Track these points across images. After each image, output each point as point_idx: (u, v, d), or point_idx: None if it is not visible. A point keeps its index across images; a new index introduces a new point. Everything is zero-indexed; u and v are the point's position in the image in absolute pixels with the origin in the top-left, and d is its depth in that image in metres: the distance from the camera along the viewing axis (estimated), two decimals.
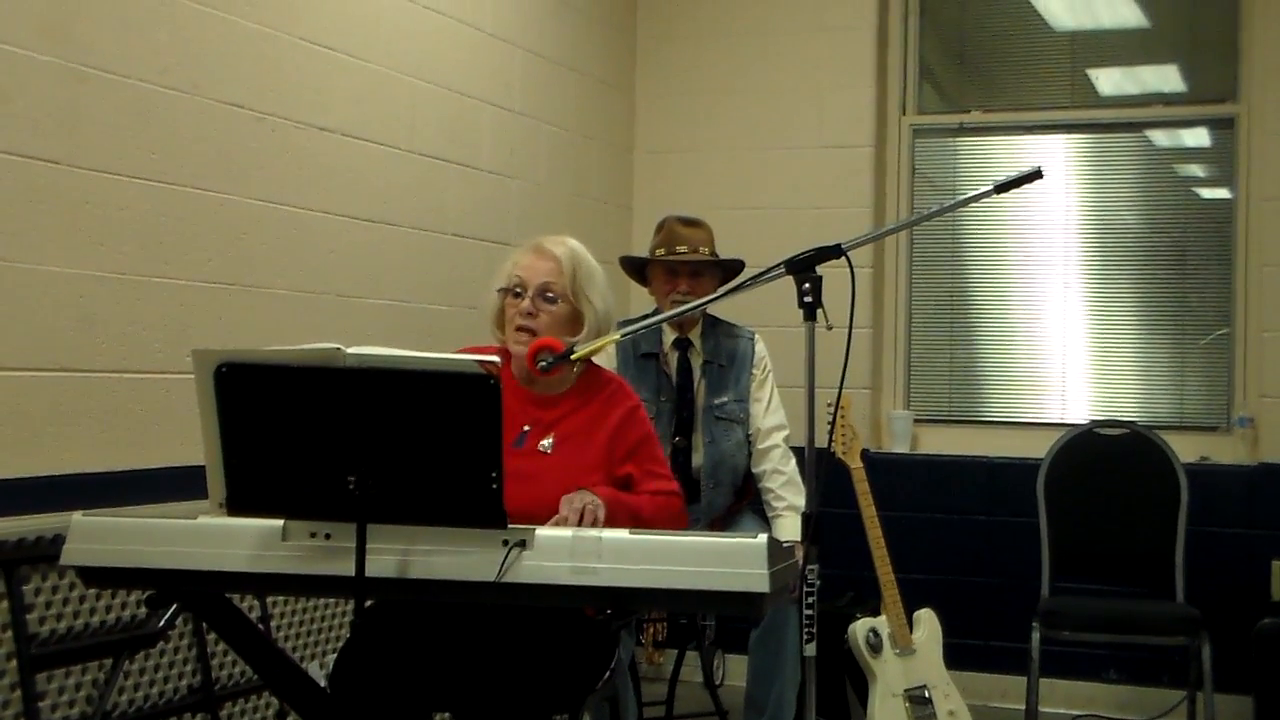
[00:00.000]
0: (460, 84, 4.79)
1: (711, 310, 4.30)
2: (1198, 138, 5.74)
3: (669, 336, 4.23)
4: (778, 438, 4.22)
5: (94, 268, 3.36)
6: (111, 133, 3.40)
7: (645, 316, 3.32)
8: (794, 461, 4.20)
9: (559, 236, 3.16)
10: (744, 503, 4.25)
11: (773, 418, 4.24)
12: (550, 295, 3.05)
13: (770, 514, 4.15)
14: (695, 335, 4.24)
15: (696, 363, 4.22)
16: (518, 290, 3.08)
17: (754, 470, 4.22)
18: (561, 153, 5.50)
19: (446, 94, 4.71)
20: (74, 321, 3.31)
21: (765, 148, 5.92)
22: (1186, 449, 5.09)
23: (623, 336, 3.14)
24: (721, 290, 3.25)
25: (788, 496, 4.13)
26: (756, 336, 4.30)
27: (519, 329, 3.05)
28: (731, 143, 5.96)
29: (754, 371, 4.24)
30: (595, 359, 4.03)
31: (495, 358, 2.44)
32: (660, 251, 4.23)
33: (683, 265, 4.17)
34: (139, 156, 3.48)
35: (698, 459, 4.18)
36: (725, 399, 4.19)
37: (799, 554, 2.86)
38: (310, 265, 4.07)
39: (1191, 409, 5.57)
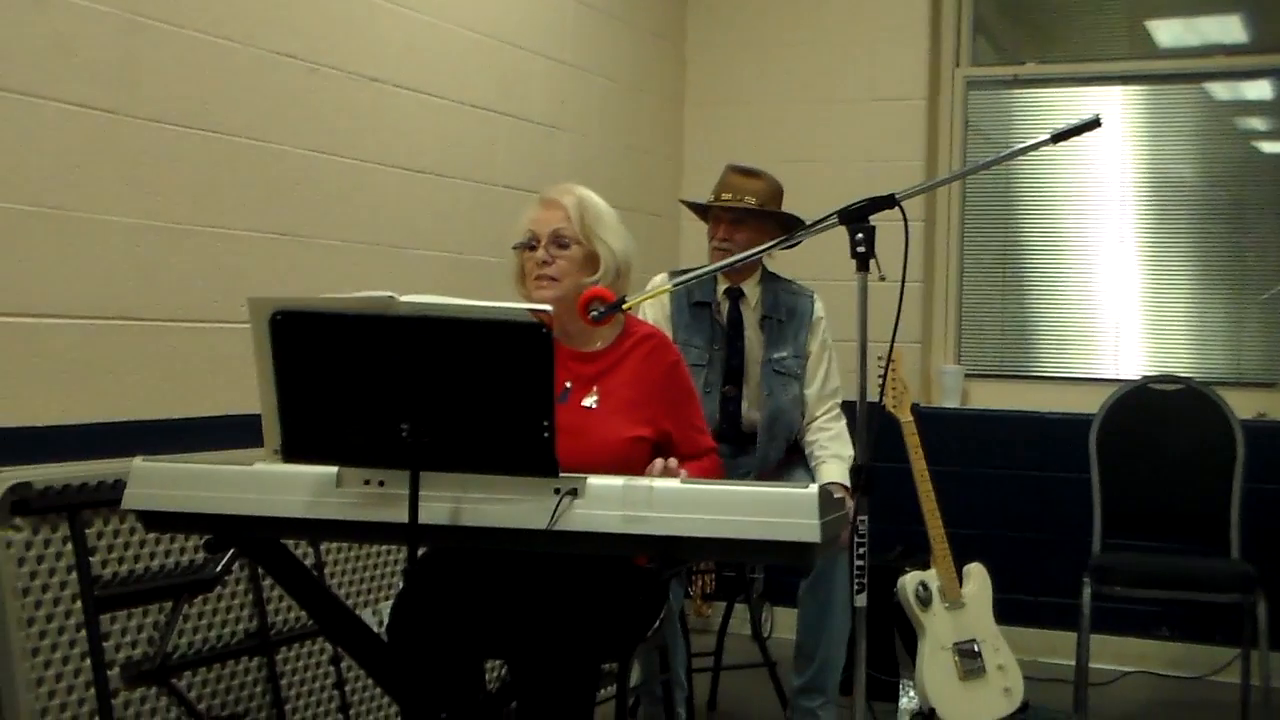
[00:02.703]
0: (512, 35, 4.78)
1: (770, 265, 4.29)
2: (1259, 90, 5.65)
3: (721, 285, 4.22)
4: (831, 403, 4.23)
5: (150, 217, 3.39)
6: (168, 83, 3.42)
7: (699, 267, 3.31)
8: (844, 421, 4.21)
9: (565, 185, 3.20)
10: (796, 457, 4.25)
11: (829, 384, 4.23)
12: (564, 241, 3.09)
13: (814, 462, 4.16)
14: (750, 286, 4.23)
15: (748, 313, 4.21)
16: (532, 244, 3.11)
17: (804, 427, 4.23)
18: (612, 105, 5.48)
19: (498, 45, 4.71)
20: (132, 270, 3.34)
21: (817, 100, 5.88)
22: (1243, 405, 5.03)
23: (675, 287, 3.14)
24: (773, 242, 3.22)
25: (832, 445, 4.15)
26: (816, 296, 4.28)
27: (538, 278, 3.09)
28: (783, 95, 5.93)
29: (812, 332, 4.22)
30: (647, 307, 4.06)
31: (548, 306, 2.44)
32: (709, 197, 4.24)
33: (723, 212, 4.18)
34: (194, 107, 3.50)
35: (748, 409, 4.19)
36: (784, 354, 4.18)
37: (849, 505, 2.87)
38: (362, 216, 4.09)
39: (1248, 365, 5.52)
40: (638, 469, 2.91)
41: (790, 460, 4.23)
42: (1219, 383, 5.17)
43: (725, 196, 4.19)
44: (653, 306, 4.17)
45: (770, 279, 4.28)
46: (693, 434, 3.17)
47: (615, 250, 3.12)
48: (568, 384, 3.09)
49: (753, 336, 4.21)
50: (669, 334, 4.10)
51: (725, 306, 4.21)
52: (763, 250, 3.23)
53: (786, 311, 4.21)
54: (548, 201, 3.15)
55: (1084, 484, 4.89)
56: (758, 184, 4.20)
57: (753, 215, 4.15)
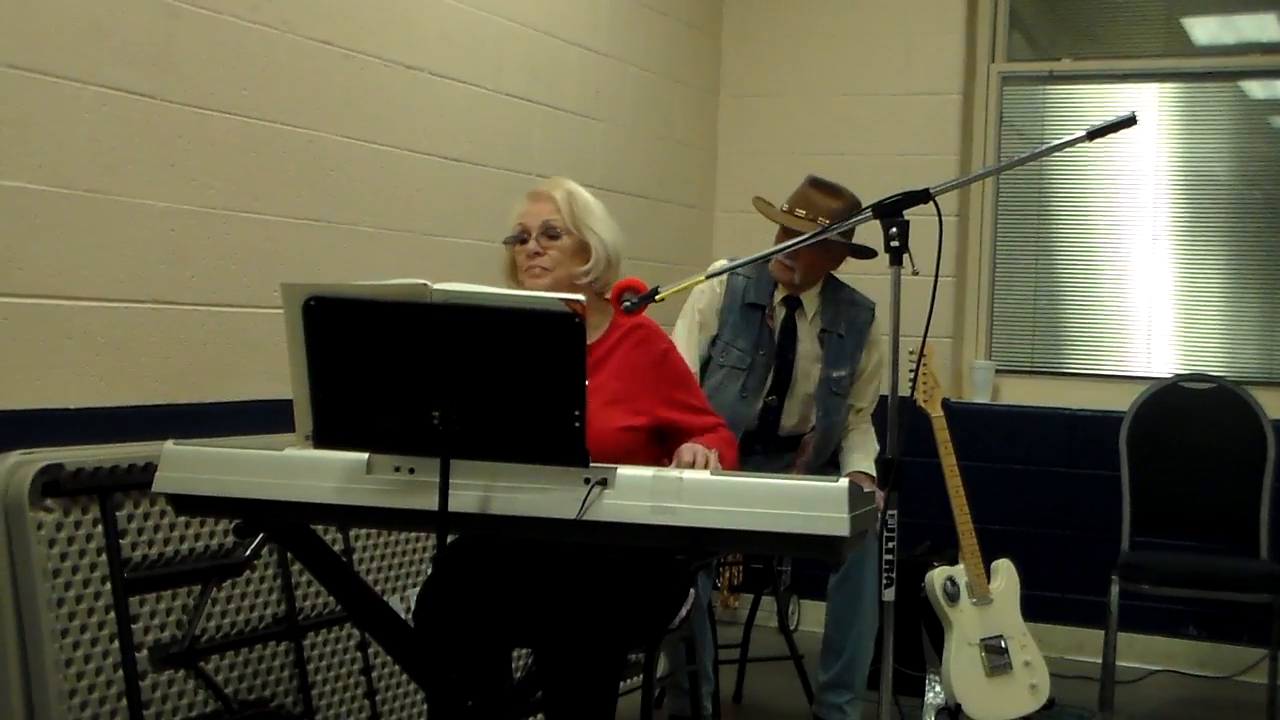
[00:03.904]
0: (547, 24, 4.78)
1: (835, 272, 4.19)
2: None
3: (779, 293, 4.12)
4: (868, 414, 4.23)
5: (185, 202, 3.40)
6: (204, 68, 3.44)
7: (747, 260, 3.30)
8: (872, 425, 4.24)
9: (553, 179, 3.25)
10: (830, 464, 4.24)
11: (875, 399, 4.21)
12: (554, 232, 3.13)
13: (841, 454, 4.17)
14: (810, 297, 4.13)
15: (804, 325, 4.12)
16: (522, 237, 3.16)
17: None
18: (647, 95, 5.48)
19: (533, 34, 4.71)
20: (165, 254, 3.36)
21: (852, 94, 5.87)
22: (1275, 405, 5.00)
23: (706, 278, 3.14)
24: (805, 236, 3.20)
25: (859, 439, 4.18)
26: (875, 309, 4.18)
27: (530, 269, 3.13)
28: (818, 88, 5.91)
29: (869, 350, 4.16)
30: (699, 296, 4.04)
31: (581, 296, 2.44)
32: (784, 207, 4.13)
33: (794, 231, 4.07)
34: (230, 92, 3.51)
35: (785, 418, 4.13)
36: (843, 373, 4.11)
37: (879, 500, 2.87)
38: (396, 203, 4.10)
39: None
40: (630, 458, 2.89)
41: (825, 467, 4.20)
42: (1251, 382, 5.14)
43: (800, 213, 4.04)
44: (706, 297, 4.11)
45: (832, 288, 4.17)
46: (695, 416, 3.14)
47: (605, 240, 3.14)
48: None
49: (807, 350, 4.11)
50: (714, 326, 4.09)
51: (780, 315, 4.11)
52: (795, 245, 3.21)
53: (846, 325, 4.13)
54: (536, 195, 3.19)
55: (1114, 481, 4.88)
56: (835, 204, 4.03)
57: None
